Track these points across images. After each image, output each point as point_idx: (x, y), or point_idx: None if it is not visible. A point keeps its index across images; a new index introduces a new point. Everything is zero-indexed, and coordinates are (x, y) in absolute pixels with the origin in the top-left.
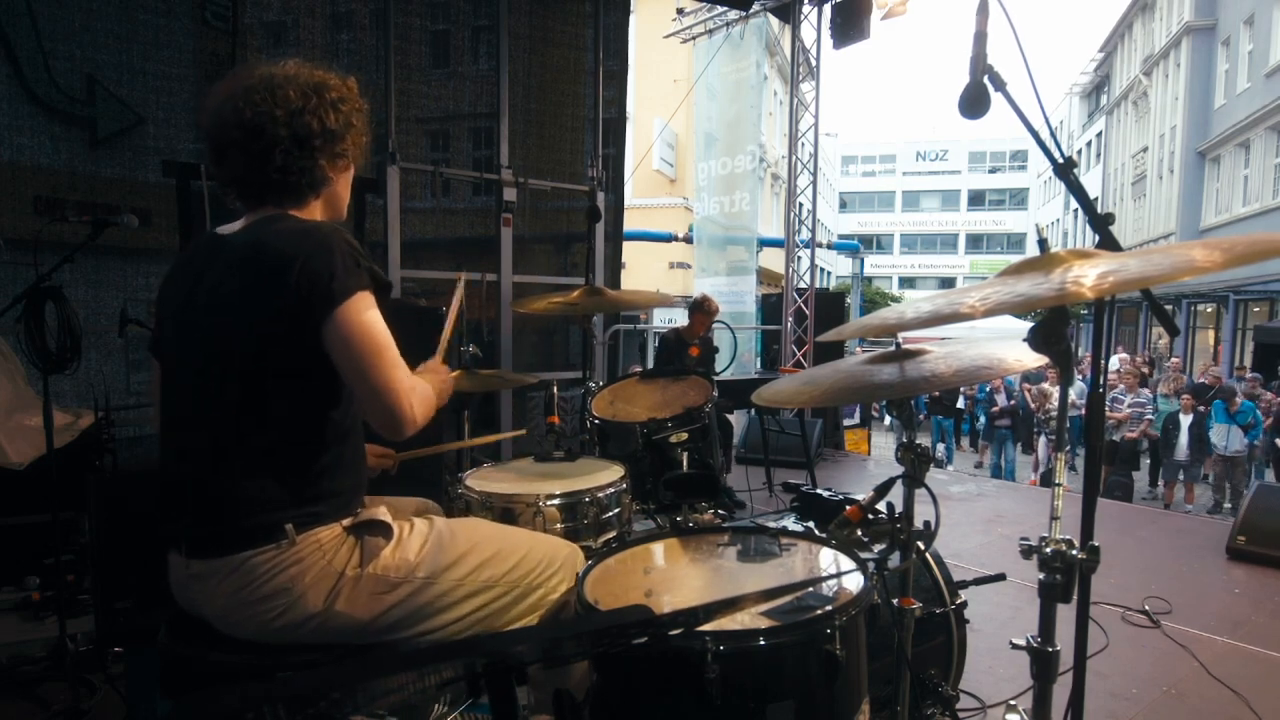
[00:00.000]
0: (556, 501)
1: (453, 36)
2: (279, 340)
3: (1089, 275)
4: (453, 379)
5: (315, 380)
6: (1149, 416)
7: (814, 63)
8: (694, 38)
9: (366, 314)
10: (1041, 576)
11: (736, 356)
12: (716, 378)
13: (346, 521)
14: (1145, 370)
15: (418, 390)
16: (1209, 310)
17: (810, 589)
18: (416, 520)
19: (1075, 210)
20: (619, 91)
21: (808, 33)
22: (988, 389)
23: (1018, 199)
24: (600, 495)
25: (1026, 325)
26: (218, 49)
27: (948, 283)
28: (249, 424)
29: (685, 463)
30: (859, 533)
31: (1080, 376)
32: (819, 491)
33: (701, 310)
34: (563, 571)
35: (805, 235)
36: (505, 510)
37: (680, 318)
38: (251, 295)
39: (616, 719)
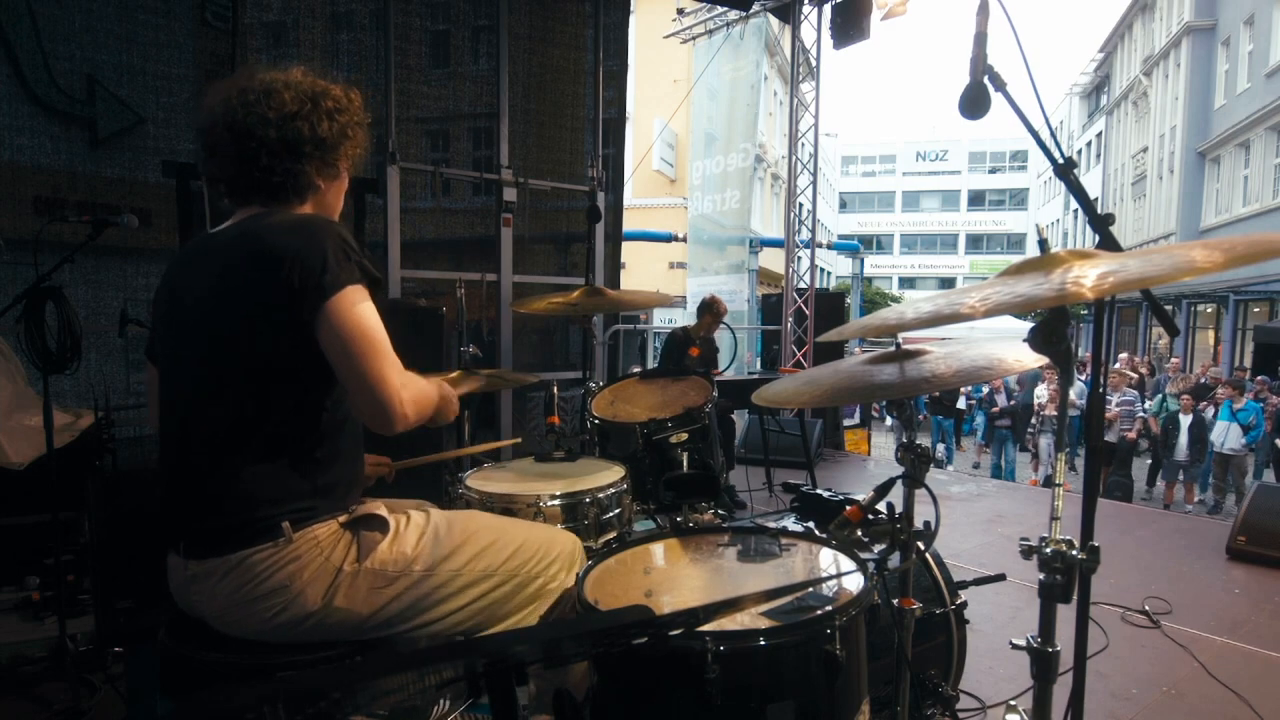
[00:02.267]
0: (557, 502)
1: (453, 36)
2: (270, 333)
3: (1089, 275)
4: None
5: (307, 373)
6: (1140, 415)
7: (814, 63)
8: (694, 38)
9: (358, 307)
10: (1041, 577)
11: (737, 356)
12: (716, 377)
13: (343, 517)
14: (1144, 372)
15: (410, 387)
16: (1209, 310)
17: (810, 589)
18: (413, 513)
19: (1075, 210)
20: (619, 91)
21: (808, 33)
22: (983, 390)
23: (1018, 199)
24: (600, 495)
25: (1026, 325)
26: (218, 49)
27: (948, 283)
28: (242, 418)
29: (685, 463)
30: (859, 533)
31: (1080, 377)
32: (819, 492)
33: (710, 312)
34: (562, 560)
35: (805, 235)
36: (505, 510)
37: (680, 318)
38: (242, 288)
39: (616, 719)
